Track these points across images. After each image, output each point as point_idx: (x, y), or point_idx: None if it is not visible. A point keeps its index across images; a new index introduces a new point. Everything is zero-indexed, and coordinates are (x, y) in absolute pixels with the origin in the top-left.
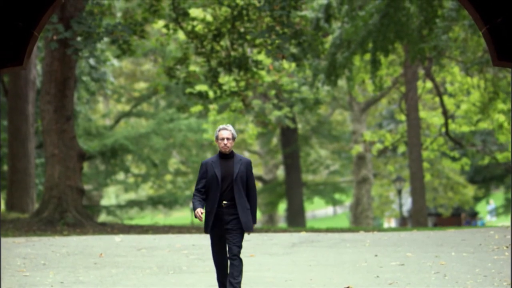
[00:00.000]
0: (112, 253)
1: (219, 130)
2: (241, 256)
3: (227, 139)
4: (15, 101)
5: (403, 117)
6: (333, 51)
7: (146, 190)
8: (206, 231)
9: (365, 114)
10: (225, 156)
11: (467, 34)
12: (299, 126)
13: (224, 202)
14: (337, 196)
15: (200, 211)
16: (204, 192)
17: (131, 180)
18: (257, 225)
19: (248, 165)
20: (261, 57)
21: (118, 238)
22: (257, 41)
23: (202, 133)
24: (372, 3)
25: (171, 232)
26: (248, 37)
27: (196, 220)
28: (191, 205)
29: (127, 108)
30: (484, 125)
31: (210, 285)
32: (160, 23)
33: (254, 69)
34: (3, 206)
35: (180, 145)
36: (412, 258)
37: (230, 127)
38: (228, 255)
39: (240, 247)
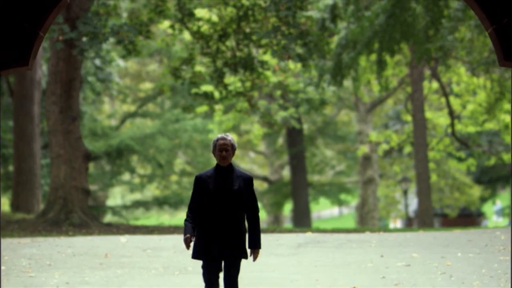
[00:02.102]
0: (118, 253)
1: (217, 140)
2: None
3: (226, 150)
4: (20, 101)
5: (409, 118)
6: (339, 52)
7: (151, 191)
8: (193, 256)
9: (371, 114)
10: (223, 170)
11: (474, 34)
12: (305, 126)
13: (219, 223)
14: (342, 196)
15: (189, 238)
16: (196, 211)
17: (136, 180)
18: (263, 225)
19: (249, 181)
20: (267, 57)
21: (123, 238)
22: (263, 42)
23: (207, 133)
24: (378, 4)
25: (177, 233)
26: (254, 37)
27: None
28: None
29: (132, 108)
30: (490, 125)
31: None
32: (166, 23)
33: (260, 70)
34: (7, 207)
35: (185, 145)
36: (418, 259)
37: (229, 136)
38: (225, 284)
39: (237, 270)
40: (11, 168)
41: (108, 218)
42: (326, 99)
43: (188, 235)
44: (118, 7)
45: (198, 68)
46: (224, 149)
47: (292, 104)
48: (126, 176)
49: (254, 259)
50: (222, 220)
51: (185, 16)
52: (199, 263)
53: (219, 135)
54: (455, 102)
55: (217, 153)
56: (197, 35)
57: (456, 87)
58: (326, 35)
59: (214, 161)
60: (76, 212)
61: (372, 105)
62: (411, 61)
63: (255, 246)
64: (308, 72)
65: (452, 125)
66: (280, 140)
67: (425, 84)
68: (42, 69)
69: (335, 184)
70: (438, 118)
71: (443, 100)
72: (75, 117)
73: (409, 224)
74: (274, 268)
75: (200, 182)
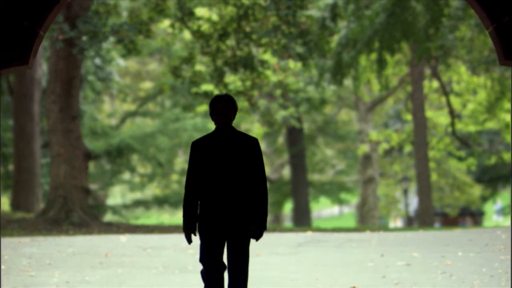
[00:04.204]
0: (118, 252)
1: (215, 102)
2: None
3: (225, 113)
4: (20, 100)
5: (409, 117)
6: (339, 51)
7: (152, 190)
8: (191, 233)
9: (371, 113)
10: (223, 134)
11: (474, 33)
12: (305, 125)
13: (221, 195)
14: (343, 195)
15: (190, 235)
16: (198, 184)
17: (137, 179)
18: None
19: (254, 144)
20: (267, 56)
21: (124, 237)
22: (263, 41)
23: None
24: (378, 2)
25: (177, 232)
26: (254, 36)
27: None
28: None
29: (132, 107)
30: (490, 124)
31: None
32: (166, 22)
33: (260, 69)
34: (7, 206)
35: (186, 144)
36: (419, 258)
37: (229, 97)
38: (229, 271)
39: (243, 268)
40: (11, 167)
41: (108, 217)
42: (326, 98)
43: (188, 232)
44: (118, 6)
45: (198, 67)
46: (223, 112)
47: (292, 103)
48: (126, 175)
49: (257, 238)
50: (225, 192)
51: (185, 15)
52: (199, 262)
53: (217, 95)
54: (455, 101)
55: (215, 117)
56: (197, 34)
57: (457, 86)
58: (326, 34)
59: None
60: (76, 211)
61: (372, 104)
62: (411, 60)
63: (260, 225)
64: (308, 71)
65: (452, 124)
66: (280, 139)
67: (425, 83)
68: (42, 68)
69: (335, 183)
70: (438, 117)
71: (443, 99)
72: (75, 116)
73: (410, 223)
74: (274, 267)
75: (197, 149)
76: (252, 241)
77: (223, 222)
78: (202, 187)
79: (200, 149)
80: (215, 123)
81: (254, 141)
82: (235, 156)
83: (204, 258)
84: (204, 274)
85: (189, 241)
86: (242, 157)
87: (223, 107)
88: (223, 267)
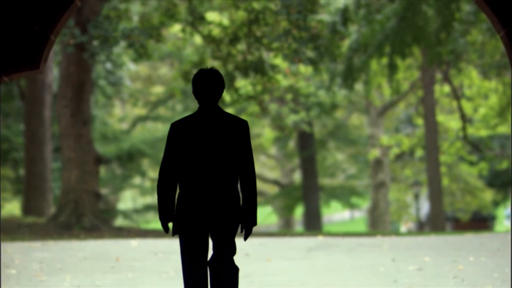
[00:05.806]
0: (129, 257)
1: (198, 76)
2: (256, 260)
3: (212, 90)
4: (31, 105)
5: (420, 121)
6: (350, 55)
7: None
8: (174, 231)
9: (382, 118)
10: (207, 114)
11: (485, 37)
12: (316, 130)
13: (204, 184)
14: (354, 200)
15: (167, 224)
16: (174, 171)
17: (147, 184)
18: (274, 229)
19: (242, 127)
20: (278, 61)
21: (134, 242)
22: (274, 45)
23: None
24: (389, 7)
25: None
26: (265, 41)
27: None
28: None
29: (143, 112)
30: (502, 129)
31: None
32: (177, 27)
33: (271, 73)
34: (18, 210)
35: None
36: (430, 263)
37: (215, 71)
38: (213, 264)
39: (232, 249)
40: (22, 171)
41: (119, 221)
42: (337, 102)
43: (165, 220)
44: (129, 10)
45: None
46: (209, 89)
47: (303, 108)
48: (137, 180)
49: (245, 237)
50: (208, 180)
51: (196, 20)
52: None
53: (202, 69)
54: (466, 106)
55: (199, 94)
56: (208, 38)
57: (468, 90)
58: (337, 38)
59: None
60: (87, 216)
61: (383, 109)
62: (422, 64)
63: (250, 221)
64: (319, 75)
65: (463, 128)
66: (291, 144)
67: (437, 87)
68: (53, 72)
69: (346, 188)
70: (449, 122)
71: (454, 103)
72: (86, 121)
73: (421, 228)
74: (285, 271)
75: (177, 132)
76: (260, 245)
77: (211, 210)
78: (183, 172)
79: (182, 130)
80: (199, 102)
81: (243, 123)
82: (223, 138)
83: (188, 254)
84: (188, 274)
85: (167, 230)
86: (230, 140)
87: (209, 83)
88: (206, 266)
